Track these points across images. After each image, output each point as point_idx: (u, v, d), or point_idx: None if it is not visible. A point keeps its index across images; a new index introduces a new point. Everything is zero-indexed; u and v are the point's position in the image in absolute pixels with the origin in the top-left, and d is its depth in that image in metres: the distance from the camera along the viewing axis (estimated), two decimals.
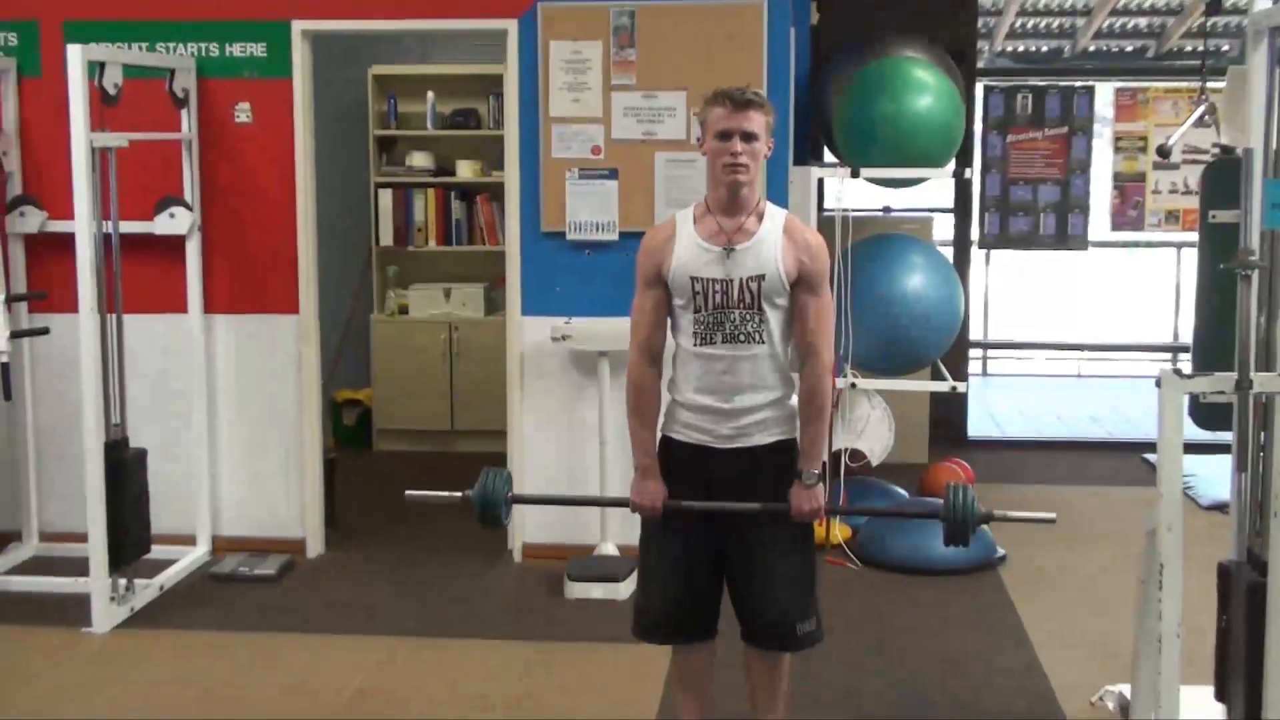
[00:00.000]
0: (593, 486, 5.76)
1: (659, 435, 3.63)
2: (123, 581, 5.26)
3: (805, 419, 3.54)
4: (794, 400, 3.58)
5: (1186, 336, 8.25)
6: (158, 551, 5.58)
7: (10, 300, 5.46)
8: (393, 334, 8.01)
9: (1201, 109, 5.63)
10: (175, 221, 5.72)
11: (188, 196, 5.78)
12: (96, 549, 5.11)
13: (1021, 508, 6.85)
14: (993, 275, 9.93)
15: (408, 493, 3.84)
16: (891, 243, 6.29)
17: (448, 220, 8.03)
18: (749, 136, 3.43)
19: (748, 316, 3.47)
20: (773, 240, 3.47)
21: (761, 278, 3.45)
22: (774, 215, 3.53)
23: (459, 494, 3.72)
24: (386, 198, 8.03)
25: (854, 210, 6.59)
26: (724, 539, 3.57)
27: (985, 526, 5.92)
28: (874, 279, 6.02)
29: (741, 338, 3.47)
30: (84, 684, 4.61)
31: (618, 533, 5.74)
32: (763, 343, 3.48)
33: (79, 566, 5.25)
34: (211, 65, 5.80)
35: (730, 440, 3.53)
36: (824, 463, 3.57)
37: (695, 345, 3.51)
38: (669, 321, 3.58)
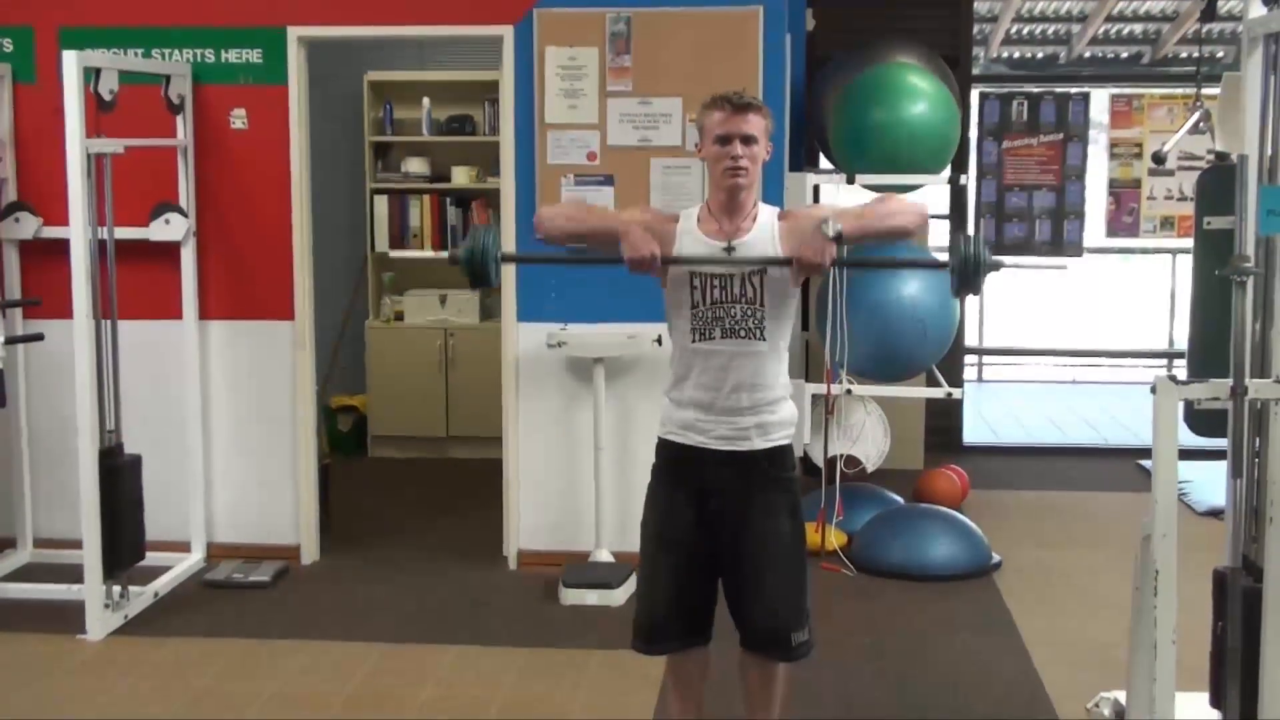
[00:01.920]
0: (588, 492, 5.76)
1: (656, 438, 3.64)
2: (117, 588, 5.26)
3: (877, 202, 3.53)
4: (792, 406, 3.58)
5: (1182, 343, 8.27)
6: (152, 558, 5.57)
7: (5, 306, 5.46)
8: (388, 340, 8.01)
9: (1196, 115, 5.65)
10: (170, 228, 5.72)
11: (183, 202, 5.78)
12: (91, 556, 5.10)
13: (1017, 513, 6.89)
14: (988, 282, 9.93)
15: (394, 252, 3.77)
16: (886, 249, 6.28)
17: (443, 226, 8.03)
18: (748, 140, 3.44)
19: (749, 312, 3.47)
20: (770, 230, 3.51)
21: (764, 272, 3.46)
22: (767, 212, 3.57)
23: (445, 254, 3.65)
24: (382, 203, 8.03)
25: None
26: (719, 546, 3.57)
27: (981, 534, 5.95)
28: (870, 285, 6.02)
29: (742, 333, 3.47)
30: (78, 691, 4.60)
31: (612, 540, 5.74)
32: (763, 339, 3.48)
33: (73, 573, 5.24)
34: (207, 71, 5.80)
35: (727, 442, 3.52)
36: (849, 237, 3.41)
37: (693, 341, 3.50)
38: (668, 325, 3.59)
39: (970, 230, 3.45)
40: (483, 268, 3.56)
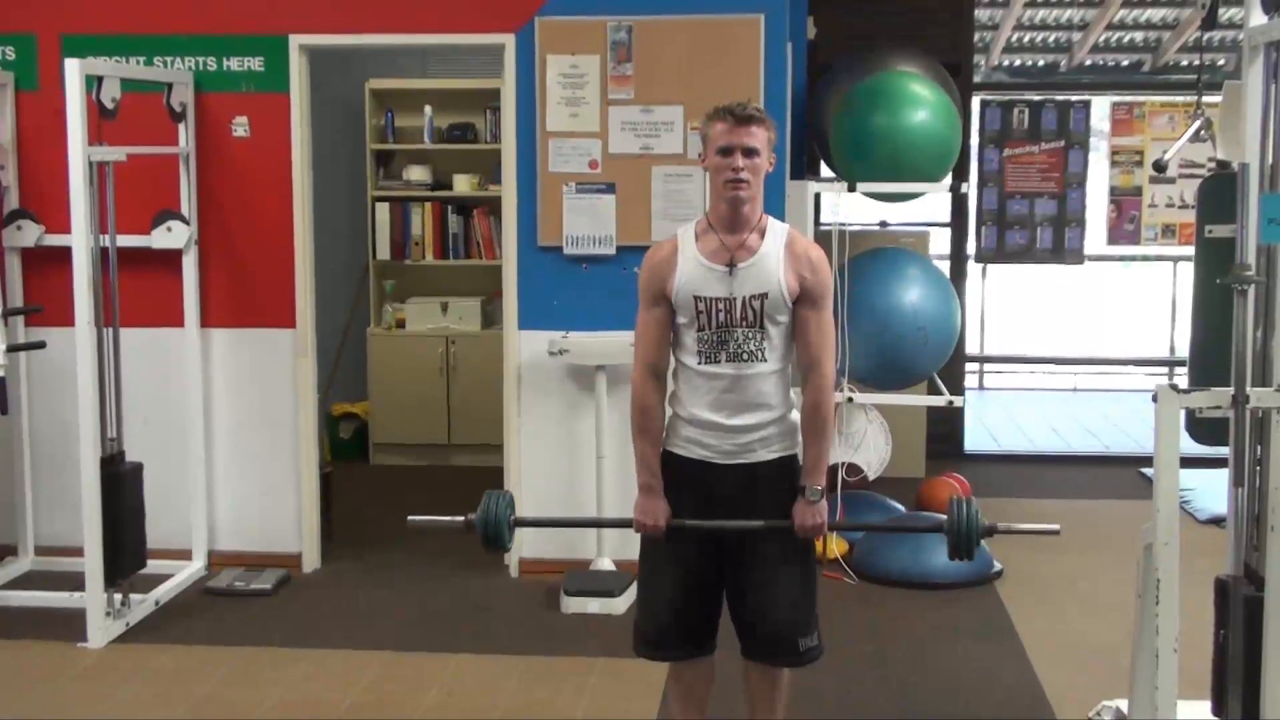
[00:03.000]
0: (590, 501, 5.76)
1: (661, 450, 3.64)
2: (118, 596, 5.26)
3: (808, 434, 3.54)
4: (795, 416, 3.58)
5: (1183, 351, 8.26)
6: (154, 566, 5.58)
7: (7, 314, 5.47)
8: (389, 348, 8.02)
9: (1198, 123, 5.63)
10: (172, 235, 5.73)
11: (185, 210, 5.78)
12: (92, 563, 5.11)
13: (1019, 521, 6.87)
14: (989, 289, 9.94)
15: (410, 519, 3.83)
16: (888, 257, 6.30)
17: (444, 234, 8.05)
18: (750, 152, 3.43)
19: (750, 335, 3.47)
20: (775, 257, 3.47)
21: (764, 296, 3.45)
22: (776, 231, 3.53)
23: (461, 519, 3.69)
24: (384, 211, 8.05)
25: (851, 224, 6.60)
26: (724, 555, 3.57)
27: (982, 542, 5.94)
28: (871, 293, 6.03)
29: (745, 356, 3.47)
30: (79, 699, 4.60)
31: (614, 548, 5.74)
32: (765, 360, 3.49)
33: (75, 581, 5.25)
34: (209, 79, 5.81)
35: (732, 456, 3.53)
36: (826, 479, 3.58)
37: (700, 364, 3.51)
38: (671, 338, 3.59)
39: (965, 501, 3.50)
40: (496, 535, 3.63)
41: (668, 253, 3.55)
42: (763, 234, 3.50)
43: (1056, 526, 3.67)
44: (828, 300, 3.53)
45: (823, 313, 3.52)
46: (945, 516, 3.52)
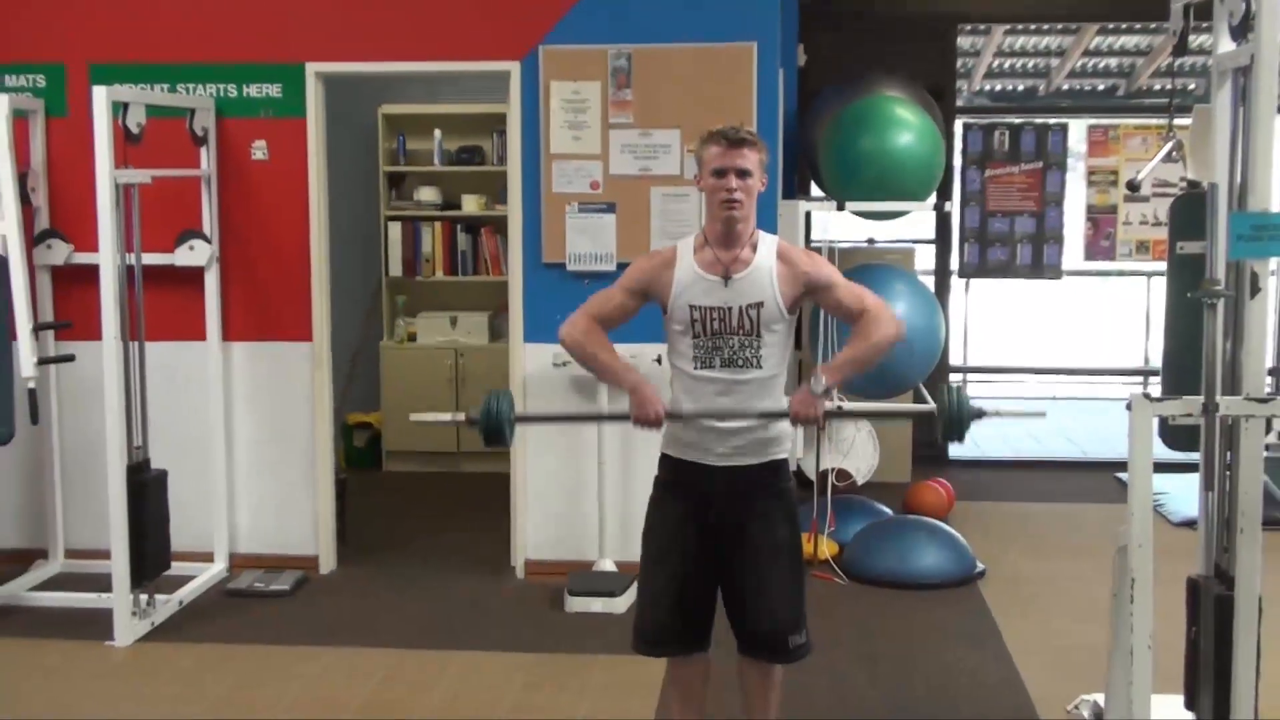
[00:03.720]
0: (591, 505, 5.76)
1: (659, 454, 3.64)
2: (144, 597, 5.25)
3: (849, 341, 3.53)
4: (785, 424, 3.58)
5: (1156, 361, 8.25)
6: (177, 568, 5.58)
7: (37, 329, 5.46)
8: (401, 360, 8.01)
9: (1169, 145, 5.63)
10: (194, 253, 5.73)
11: (206, 230, 5.79)
12: (119, 566, 5.10)
13: (1000, 524, 6.88)
14: (972, 303, 9.93)
15: (412, 415, 3.81)
16: (876, 272, 6.30)
17: (454, 252, 8.05)
18: (743, 173, 3.44)
19: (746, 342, 3.47)
20: (768, 268, 3.48)
21: (760, 305, 3.46)
22: (767, 243, 3.54)
23: (463, 415, 3.69)
24: (396, 230, 8.05)
25: (840, 241, 6.61)
26: (719, 558, 3.56)
27: (966, 544, 5.95)
28: None
29: (740, 362, 3.48)
30: (107, 695, 4.59)
31: (615, 550, 5.74)
32: (760, 367, 3.49)
33: (102, 582, 5.25)
34: (230, 105, 5.82)
35: (726, 459, 3.53)
36: (835, 384, 3.49)
37: (695, 369, 3.51)
38: (668, 349, 3.59)
39: (956, 387, 3.50)
40: (498, 431, 3.62)
41: (665, 259, 3.56)
42: (755, 248, 3.51)
43: (1043, 410, 3.69)
44: (838, 275, 3.56)
45: (841, 285, 3.54)
46: (935, 403, 3.53)
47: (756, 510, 3.54)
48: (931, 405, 3.57)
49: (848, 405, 6.08)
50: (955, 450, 8.41)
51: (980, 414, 3.53)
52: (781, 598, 3.56)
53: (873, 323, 3.50)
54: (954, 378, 8.19)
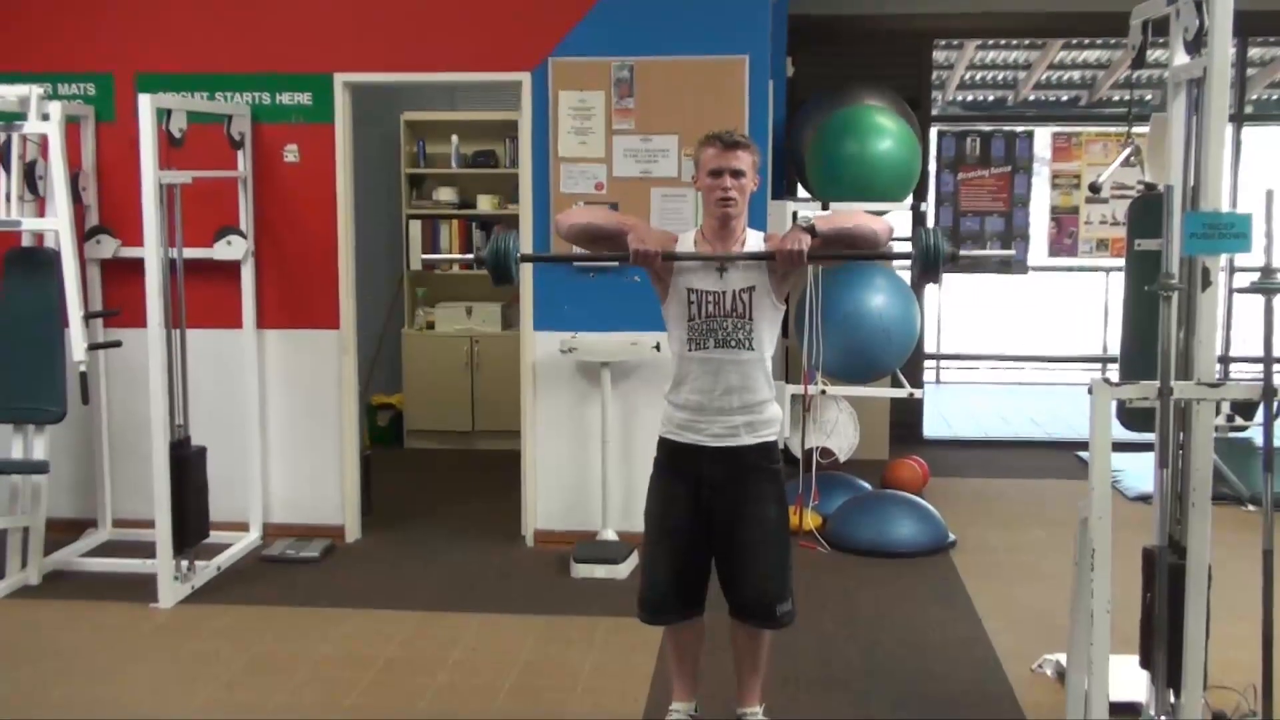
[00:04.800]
0: (596, 479, 5.75)
1: (658, 436, 3.64)
2: (185, 563, 5.26)
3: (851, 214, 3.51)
4: (776, 408, 3.57)
5: (1115, 349, 8.27)
6: (216, 537, 5.58)
7: (88, 317, 5.46)
8: (421, 346, 8.01)
9: (1128, 151, 5.63)
10: (232, 248, 5.72)
11: (243, 226, 5.78)
12: (162, 534, 5.10)
13: (971, 498, 6.87)
14: (945, 296, 9.93)
15: (422, 256, 3.78)
16: (857, 268, 6.29)
17: (469, 247, 8.03)
18: (737, 173, 3.44)
19: (739, 325, 3.47)
20: (756, 249, 3.49)
21: (753, 289, 3.46)
22: (755, 237, 3.56)
23: (470, 255, 3.67)
24: (416, 227, 8.03)
25: None
26: (713, 536, 3.56)
27: (939, 516, 5.94)
28: (841, 299, 6.03)
29: (733, 343, 3.47)
30: (151, 651, 4.60)
31: (617, 521, 5.74)
32: (752, 349, 3.48)
33: (147, 550, 5.24)
34: (264, 112, 5.80)
35: (720, 439, 3.52)
36: (824, 234, 3.43)
37: (689, 350, 3.51)
38: (668, 335, 3.59)
39: (930, 224, 3.44)
40: (505, 266, 3.58)
41: (672, 237, 3.58)
42: (744, 244, 3.52)
43: (1012, 251, 3.63)
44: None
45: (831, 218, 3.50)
46: (911, 243, 3.46)
47: (749, 491, 3.53)
48: (909, 249, 3.48)
49: (830, 389, 6.09)
50: (929, 431, 8.41)
51: (954, 256, 3.44)
52: (770, 571, 3.56)
53: (862, 213, 3.50)
54: (928, 375, 8.18)
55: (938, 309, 9.82)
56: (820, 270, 5.97)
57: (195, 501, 5.34)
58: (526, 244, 5.76)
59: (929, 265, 3.42)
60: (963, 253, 3.50)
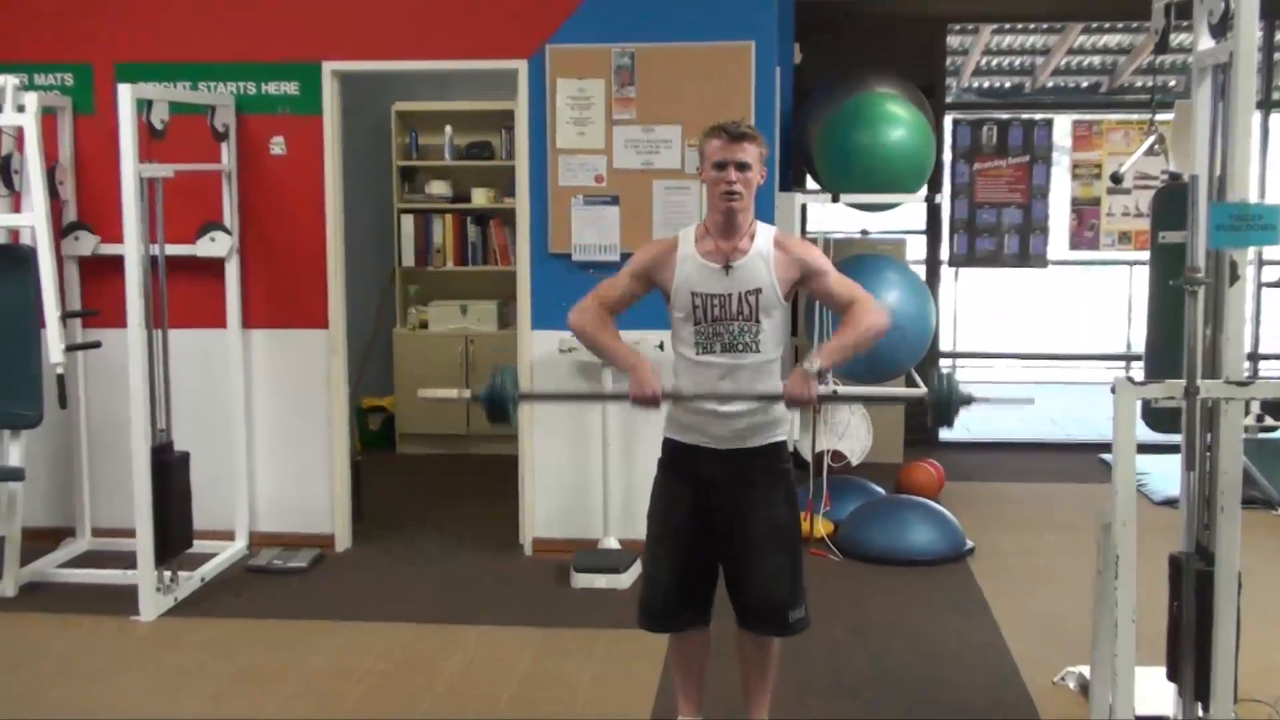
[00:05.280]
0: (596, 485, 5.75)
1: (662, 438, 3.63)
2: (168, 573, 5.26)
3: (844, 325, 3.50)
4: (782, 408, 3.57)
5: (1139, 346, 8.26)
6: (199, 546, 5.58)
7: (66, 316, 5.46)
8: (413, 346, 8.01)
9: (1151, 139, 5.61)
10: (215, 244, 5.73)
11: (227, 222, 5.78)
12: (144, 544, 5.10)
13: (989, 503, 6.87)
14: (961, 291, 9.91)
15: (420, 392, 3.80)
16: (869, 262, 6.29)
17: (464, 243, 8.04)
18: (743, 166, 3.43)
19: (745, 327, 3.47)
20: (765, 256, 3.48)
21: (758, 291, 3.46)
22: (764, 233, 3.53)
23: (468, 391, 3.68)
24: (408, 222, 8.04)
25: (834, 233, 6.59)
26: (720, 534, 3.56)
27: (956, 522, 5.94)
28: None
29: (739, 347, 3.47)
30: (133, 667, 4.60)
31: (619, 528, 5.73)
32: (759, 351, 3.48)
33: (128, 560, 5.24)
34: (249, 102, 5.80)
35: (725, 442, 3.52)
36: (828, 368, 3.51)
37: (696, 354, 3.50)
38: (671, 335, 3.58)
39: (944, 370, 3.50)
40: (502, 407, 3.59)
41: (668, 247, 3.56)
42: (753, 237, 3.50)
43: (1031, 397, 3.67)
44: (829, 265, 3.55)
45: (833, 274, 3.53)
46: (926, 389, 3.52)
47: (757, 492, 3.53)
48: (923, 390, 3.55)
49: (842, 389, 6.08)
50: (945, 432, 8.39)
51: (969, 400, 3.53)
52: (781, 575, 3.56)
53: (862, 311, 3.49)
54: (944, 363, 8.18)
55: (954, 305, 9.80)
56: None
57: (178, 509, 5.34)
58: (524, 241, 5.77)
59: (943, 412, 3.52)
60: (978, 395, 3.56)
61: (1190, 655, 3.38)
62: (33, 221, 5.13)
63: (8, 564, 5.37)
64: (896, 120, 6.06)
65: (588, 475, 5.82)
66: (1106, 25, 10.11)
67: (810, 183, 7.23)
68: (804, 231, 6.74)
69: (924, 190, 6.32)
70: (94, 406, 5.94)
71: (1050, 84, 11.37)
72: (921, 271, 7.80)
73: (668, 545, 3.61)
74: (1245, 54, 3.29)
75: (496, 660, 4.62)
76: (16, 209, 5.45)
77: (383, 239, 8.13)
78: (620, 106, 5.62)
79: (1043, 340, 12.69)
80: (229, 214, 5.80)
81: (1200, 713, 3.42)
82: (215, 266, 5.81)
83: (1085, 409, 9.49)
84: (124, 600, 5.11)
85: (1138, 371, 7.85)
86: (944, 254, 8.15)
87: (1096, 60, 11.15)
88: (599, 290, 3.61)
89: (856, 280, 6.01)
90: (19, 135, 5.34)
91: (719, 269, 3.47)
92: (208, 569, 5.56)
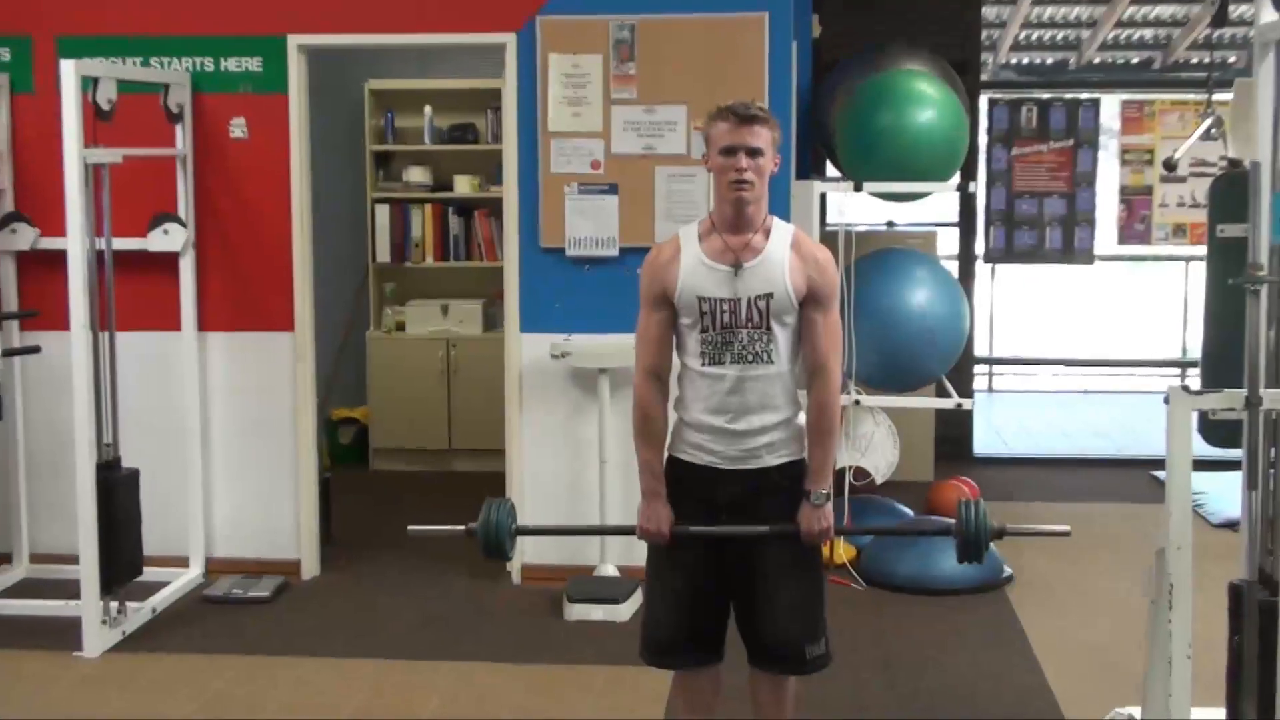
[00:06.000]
0: (593, 507, 5.75)
1: (666, 455, 3.63)
2: (114, 604, 5.25)
3: (814, 437, 3.53)
4: (802, 419, 3.57)
5: (1195, 352, 8.27)
6: (150, 573, 5.57)
7: (2, 318, 5.47)
8: (389, 351, 8.02)
9: (1208, 122, 5.63)
10: (169, 238, 5.73)
11: (182, 213, 5.78)
12: (88, 571, 5.10)
13: (1029, 523, 6.87)
14: (998, 290, 9.93)
15: (410, 528, 3.83)
16: (895, 258, 6.29)
17: (445, 236, 8.05)
18: (754, 153, 3.41)
19: (756, 336, 3.45)
20: (780, 257, 3.46)
21: (770, 296, 3.44)
22: (781, 231, 3.51)
23: (462, 528, 3.70)
24: (383, 213, 8.05)
25: (857, 225, 6.60)
26: (730, 561, 3.56)
27: (992, 547, 5.94)
28: (878, 295, 6.02)
29: (750, 357, 3.46)
30: (75, 708, 4.59)
31: (618, 553, 5.73)
32: (771, 362, 3.47)
33: (70, 589, 5.24)
34: (206, 80, 5.81)
35: (738, 461, 3.51)
36: (832, 483, 3.56)
37: (703, 365, 3.50)
38: (674, 340, 3.58)
39: (974, 503, 3.51)
40: (498, 542, 3.63)
41: (669, 254, 3.53)
42: (767, 234, 3.48)
43: (1067, 528, 3.65)
44: (835, 302, 3.52)
45: (830, 314, 3.50)
46: (954, 520, 3.50)
47: (771, 513, 3.53)
48: (950, 523, 3.55)
49: (865, 399, 6.09)
50: (980, 447, 8.41)
51: (1001, 533, 3.52)
52: (798, 607, 3.56)
53: (824, 410, 3.50)
54: (978, 382, 8.18)
55: (990, 306, 9.83)
56: (853, 263, 5.97)
57: (126, 533, 5.34)
58: (512, 234, 5.77)
59: (972, 547, 3.50)
60: (1010, 527, 3.56)
61: (1252, 693, 3.38)
62: None
63: None
64: (926, 100, 6.07)
65: (583, 495, 5.82)
66: None
67: (830, 170, 7.24)
68: (823, 225, 6.74)
69: (956, 178, 6.33)
70: (33, 418, 5.94)
71: (1097, 60, 11.37)
72: (954, 268, 7.80)
73: (673, 574, 3.60)
74: None
75: (479, 701, 4.62)
76: None
77: (355, 232, 8.15)
78: (619, 85, 5.62)
79: (1089, 345, 12.71)
80: (184, 204, 5.80)
81: None
82: (169, 262, 5.81)
83: (1136, 421, 9.49)
84: (65, 634, 5.11)
85: (1194, 379, 7.87)
86: (979, 249, 8.16)
87: (1148, 34, 11.15)
88: (637, 352, 3.58)
89: (882, 278, 6.05)
90: None
91: (728, 270, 3.46)
92: (159, 599, 5.56)
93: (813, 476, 3.52)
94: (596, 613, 5.40)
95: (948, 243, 8.10)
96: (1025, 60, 11.57)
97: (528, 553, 5.88)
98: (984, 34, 8.97)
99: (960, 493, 6.82)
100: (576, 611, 5.43)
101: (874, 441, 6.48)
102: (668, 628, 3.62)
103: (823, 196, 6.67)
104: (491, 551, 3.65)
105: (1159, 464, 6.36)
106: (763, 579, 3.54)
